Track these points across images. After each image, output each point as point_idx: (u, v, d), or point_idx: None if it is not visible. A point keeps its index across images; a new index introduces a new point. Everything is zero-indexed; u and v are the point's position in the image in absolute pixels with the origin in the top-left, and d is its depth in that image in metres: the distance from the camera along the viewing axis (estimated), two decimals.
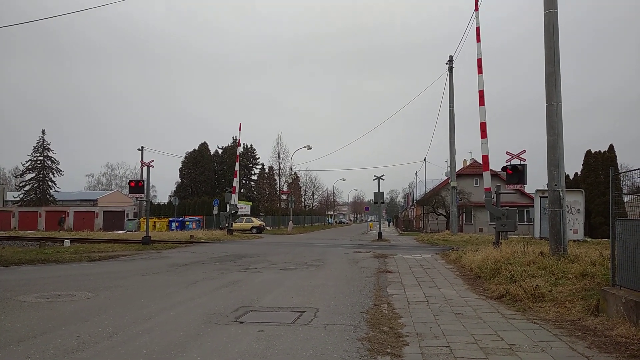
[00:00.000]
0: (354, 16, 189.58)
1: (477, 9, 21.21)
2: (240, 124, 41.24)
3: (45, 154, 68.95)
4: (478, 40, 21.00)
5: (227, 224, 36.05)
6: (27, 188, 68.59)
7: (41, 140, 68.82)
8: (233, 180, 40.45)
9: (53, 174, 69.84)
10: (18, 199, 68.49)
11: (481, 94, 20.74)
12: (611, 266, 7.23)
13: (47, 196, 68.62)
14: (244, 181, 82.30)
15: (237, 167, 40.57)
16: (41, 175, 68.69)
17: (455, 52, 63.15)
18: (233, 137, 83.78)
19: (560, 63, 13.32)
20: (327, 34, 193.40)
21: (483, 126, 20.47)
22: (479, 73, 20.88)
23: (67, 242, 24.12)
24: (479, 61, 20.85)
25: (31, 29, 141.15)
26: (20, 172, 71.06)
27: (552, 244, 12.84)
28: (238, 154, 42.14)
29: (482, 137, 20.62)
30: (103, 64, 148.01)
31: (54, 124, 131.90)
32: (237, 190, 38.81)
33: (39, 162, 68.66)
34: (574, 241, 18.64)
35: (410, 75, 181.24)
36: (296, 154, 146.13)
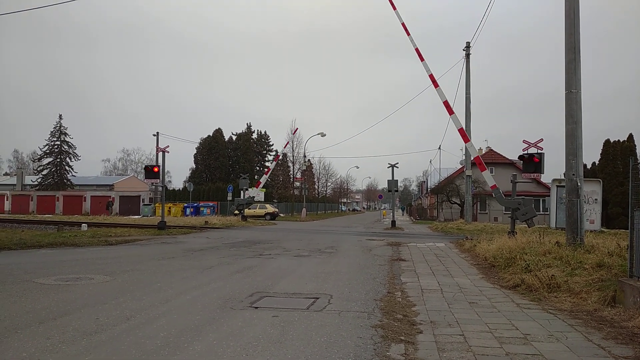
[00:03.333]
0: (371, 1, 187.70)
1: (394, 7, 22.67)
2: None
3: (62, 139, 69.82)
4: (407, 33, 22.61)
5: (238, 212, 36.51)
6: (44, 172, 69.62)
7: (58, 125, 69.66)
8: (263, 176, 41.77)
9: (70, 158, 70.78)
10: (36, 183, 69.57)
11: (446, 104, 22.19)
12: (629, 257, 7.13)
13: (65, 180, 69.61)
14: (257, 167, 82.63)
15: (272, 166, 42.48)
16: (58, 160, 69.64)
17: (472, 38, 62.34)
18: (247, 124, 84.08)
19: (581, 50, 13.06)
20: (341, 22, 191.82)
21: (462, 132, 21.99)
22: (435, 87, 22.38)
23: (84, 226, 24.50)
24: (431, 77, 22.49)
25: (58, 11, 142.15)
26: (38, 156, 72.15)
27: (569, 234, 12.70)
28: (279, 154, 45.18)
29: (465, 142, 22.42)
30: (119, 52, 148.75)
31: (70, 110, 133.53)
32: (261, 186, 39.99)
33: (56, 146, 69.56)
34: (591, 231, 18.42)
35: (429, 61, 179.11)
36: (310, 141, 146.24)
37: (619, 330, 5.86)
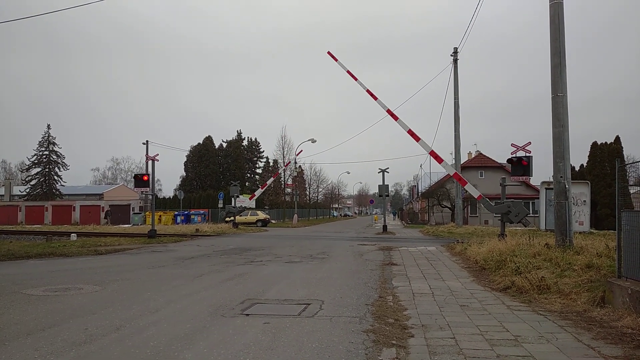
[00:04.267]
0: (358, 6, 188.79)
1: None
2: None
3: (50, 149, 69.25)
4: (375, 98, 23.79)
5: (229, 219, 36.64)
6: (33, 182, 68.95)
7: (47, 135, 69.10)
8: (258, 190, 42.39)
9: (59, 168, 70.16)
10: (24, 193, 68.88)
11: (390, 112, 23.54)
12: (617, 257, 7.21)
13: (53, 190, 68.97)
14: (248, 174, 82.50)
15: (269, 182, 43.42)
16: (47, 170, 69.01)
17: (460, 44, 62.90)
18: (237, 131, 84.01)
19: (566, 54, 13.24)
20: (332, 25, 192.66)
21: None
22: (374, 99, 23.79)
23: (73, 236, 24.27)
24: (369, 91, 23.94)
25: (32, 23, 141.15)
26: (27, 166, 71.43)
27: (558, 236, 12.81)
28: (278, 172, 46.00)
29: (438, 161, 22.51)
30: (104, 59, 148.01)
31: (58, 119, 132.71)
32: (254, 198, 40.59)
33: (44, 156, 68.96)
34: (580, 233, 18.59)
35: (415, 67, 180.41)
36: (300, 147, 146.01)
37: (608, 330, 5.91)
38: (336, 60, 25.62)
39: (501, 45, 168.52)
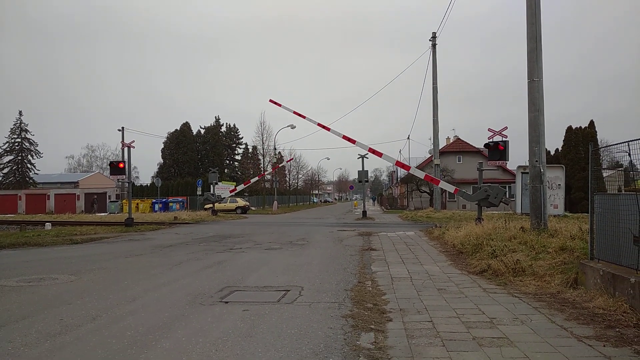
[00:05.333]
0: None
1: None
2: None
3: (23, 136, 67.66)
4: (328, 129, 26.07)
5: (207, 206, 36.57)
6: (5, 171, 67.44)
7: (18, 122, 67.46)
8: (240, 185, 42.49)
9: (32, 156, 68.70)
10: None
11: (321, 125, 25.80)
12: (590, 240, 7.37)
13: (27, 179, 67.57)
14: (227, 161, 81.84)
15: (253, 180, 44.91)
16: (19, 158, 67.53)
17: (438, 29, 63.04)
18: (216, 117, 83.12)
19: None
20: (310, 8, 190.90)
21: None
22: (327, 130, 25.51)
23: (48, 225, 23.83)
24: (320, 124, 25.77)
25: (5, 5, 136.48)
26: None
27: (533, 219, 13.04)
28: (264, 172, 46.41)
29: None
30: (79, 43, 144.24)
31: (30, 105, 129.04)
32: (234, 192, 40.77)
33: (16, 144, 67.41)
34: (555, 216, 18.96)
35: (394, 51, 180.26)
36: (280, 133, 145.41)
37: (580, 311, 6.05)
38: (280, 105, 27.08)
39: (476, 26, 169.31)
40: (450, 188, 20.13)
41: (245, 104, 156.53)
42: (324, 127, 25.17)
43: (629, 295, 5.83)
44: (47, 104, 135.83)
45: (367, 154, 33.63)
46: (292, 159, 57.26)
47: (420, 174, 24.94)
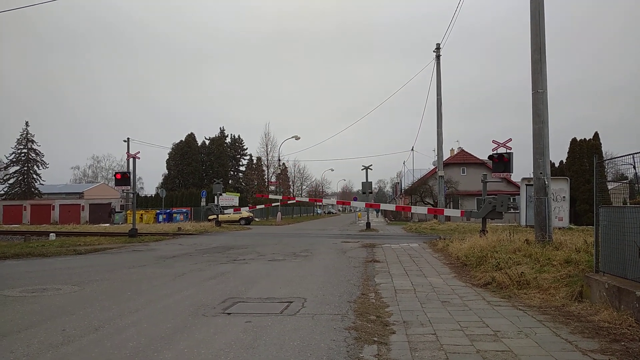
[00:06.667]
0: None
1: None
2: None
3: (29, 147, 68.05)
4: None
5: (211, 217, 36.64)
6: (11, 181, 67.70)
7: (25, 132, 67.88)
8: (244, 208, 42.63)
9: (38, 166, 69.01)
10: (2, 192, 67.52)
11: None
12: (595, 253, 7.32)
13: (32, 189, 67.81)
14: (231, 172, 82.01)
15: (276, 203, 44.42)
16: (25, 168, 67.83)
17: (442, 39, 63.17)
18: (220, 128, 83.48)
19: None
20: (314, 17, 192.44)
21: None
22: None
23: (52, 236, 23.90)
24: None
25: (8, 16, 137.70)
26: (4, 165, 70.02)
27: (538, 232, 12.97)
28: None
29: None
30: (83, 55, 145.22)
31: (36, 116, 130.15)
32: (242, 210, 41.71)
33: (23, 154, 67.76)
34: (559, 228, 18.86)
35: (398, 63, 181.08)
36: (284, 144, 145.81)
37: (585, 324, 6.00)
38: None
39: (480, 37, 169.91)
40: (456, 213, 20.08)
41: (249, 115, 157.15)
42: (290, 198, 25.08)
43: (635, 308, 5.78)
44: (54, 115, 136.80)
45: (371, 165, 33.74)
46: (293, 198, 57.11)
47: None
